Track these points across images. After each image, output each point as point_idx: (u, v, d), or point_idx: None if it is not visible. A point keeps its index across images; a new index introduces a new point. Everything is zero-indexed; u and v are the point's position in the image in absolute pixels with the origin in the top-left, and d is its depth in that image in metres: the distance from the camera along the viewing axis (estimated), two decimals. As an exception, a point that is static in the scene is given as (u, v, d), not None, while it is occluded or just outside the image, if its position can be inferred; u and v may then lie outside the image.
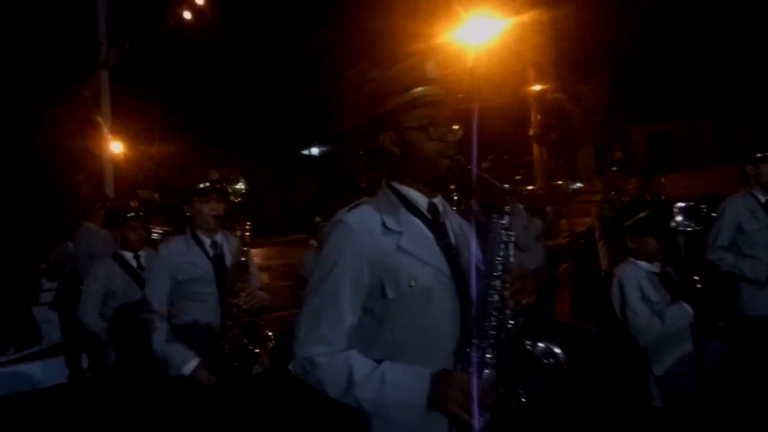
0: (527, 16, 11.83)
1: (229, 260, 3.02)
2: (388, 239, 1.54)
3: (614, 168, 5.90)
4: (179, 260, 2.93)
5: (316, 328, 1.51)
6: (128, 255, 3.88)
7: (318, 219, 5.62)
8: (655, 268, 2.86)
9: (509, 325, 1.41)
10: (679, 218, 2.75)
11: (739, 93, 15.91)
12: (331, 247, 1.56)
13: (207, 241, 3.03)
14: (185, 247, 2.98)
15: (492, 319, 1.41)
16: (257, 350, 2.72)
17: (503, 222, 1.45)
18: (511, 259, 1.43)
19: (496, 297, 1.42)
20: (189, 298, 2.90)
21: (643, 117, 18.40)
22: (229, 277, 2.91)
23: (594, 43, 11.75)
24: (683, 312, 2.68)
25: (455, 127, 1.61)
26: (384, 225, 1.56)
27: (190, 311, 2.89)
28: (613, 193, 5.66)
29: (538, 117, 13.06)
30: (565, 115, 12.89)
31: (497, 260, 1.43)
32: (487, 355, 1.40)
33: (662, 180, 5.74)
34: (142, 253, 3.90)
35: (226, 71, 22.23)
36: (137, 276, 3.75)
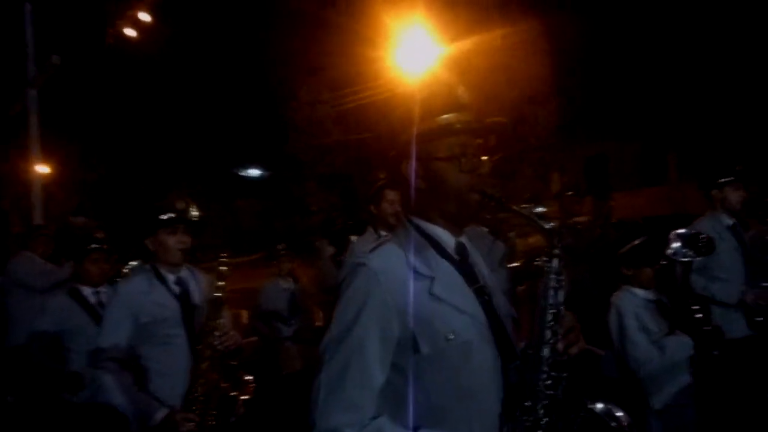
0: (467, 42, 12.06)
1: (197, 298, 2.73)
2: (418, 285, 1.35)
3: (569, 192, 6.02)
4: (142, 300, 2.61)
5: (341, 391, 1.29)
6: (87, 290, 3.50)
7: (281, 246, 5.33)
8: (651, 295, 2.81)
9: (564, 383, 1.24)
10: (676, 246, 2.71)
11: (667, 119, 16.84)
12: (354, 295, 1.36)
13: (171, 278, 2.72)
14: (147, 285, 2.67)
15: (544, 375, 1.24)
16: (239, 396, 2.45)
17: (553, 265, 1.30)
18: (562, 307, 1.28)
19: (547, 350, 1.26)
20: (153, 342, 2.59)
21: (580, 140, 19.08)
22: (200, 316, 2.62)
23: (538, 69, 12.16)
24: (682, 343, 2.63)
25: (484, 158, 1.46)
26: (412, 268, 1.38)
27: (156, 356, 2.58)
28: (574, 219, 5.77)
29: (479, 141, 13.15)
30: (520, 137, 13.22)
31: (549, 309, 1.27)
32: (541, 420, 1.23)
33: (612, 203, 5.90)
34: (102, 288, 3.53)
35: (164, 91, 21.43)
36: (96, 313, 3.38)
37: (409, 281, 1.35)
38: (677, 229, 3.09)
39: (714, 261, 3.89)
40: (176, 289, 2.70)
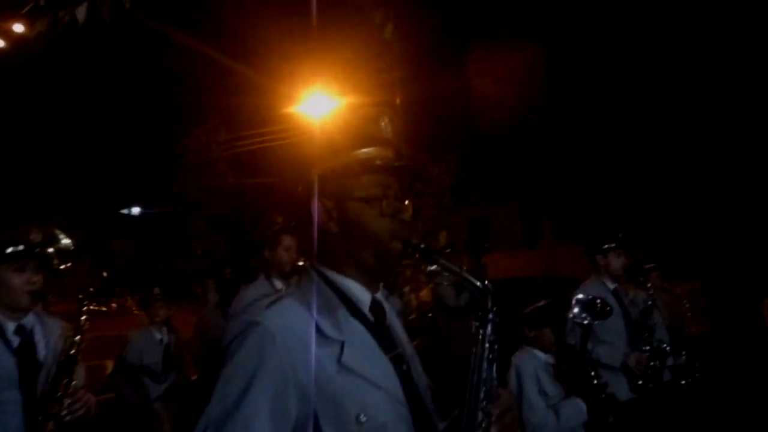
0: (366, 97, 12.31)
1: (43, 353, 2.24)
2: (325, 351, 1.11)
3: (447, 250, 6.22)
4: None
5: None
6: None
7: (157, 290, 4.73)
8: (550, 359, 2.77)
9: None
10: (576, 310, 2.70)
11: (542, 186, 18.17)
12: (243, 362, 1.08)
13: (10, 327, 2.21)
14: None
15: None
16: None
17: (487, 333, 1.11)
18: (495, 383, 1.09)
19: (478, 436, 1.05)
20: None
21: (467, 201, 19.96)
22: (45, 376, 2.14)
23: (434, 129, 12.64)
24: (578, 409, 2.59)
25: (407, 202, 1.28)
26: (318, 330, 1.13)
27: None
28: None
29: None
30: (417, 192, 13.49)
31: (482, 385, 1.07)
32: None
33: (484, 261, 6.18)
34: None
35: (38, 114, 19.55)
36: None
37: (314, 346, 1.11)
38: (550, 289, 3.14)
39: (599, 325, 4.00)
40: (15, 340, 2.19)
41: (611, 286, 4.15)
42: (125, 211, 27.52)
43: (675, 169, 12.84)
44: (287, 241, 3.36)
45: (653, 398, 3.82)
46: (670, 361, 4.07)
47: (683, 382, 4.15)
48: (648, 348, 3.90)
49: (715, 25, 10.93)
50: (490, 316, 1.12)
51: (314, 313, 1.15)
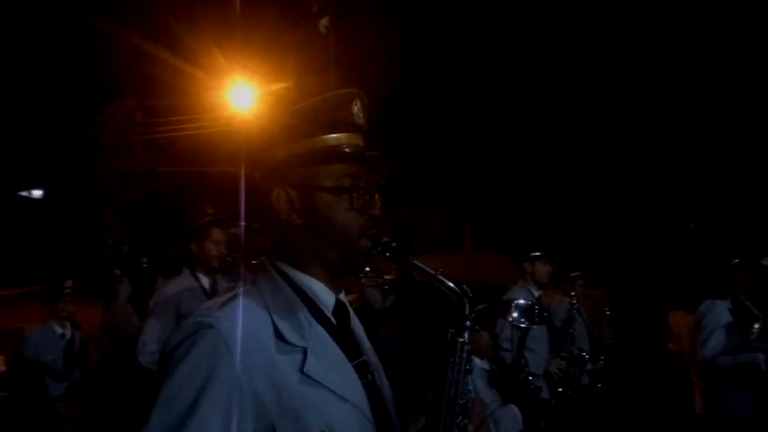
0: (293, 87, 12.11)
1: None
2: (285, 359, 0.99)
3: (374, 251, 6.19)
4: None
5: None
6: None
7: (69, 283, 4.28)
8: (485, 364, 2.75)
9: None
10: (515, 314, 2.70)
11: (464, 192, 18.64)
12: (190, 373, 0.94)
13: None
14: None
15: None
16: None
17: (464, 341, 1.03)
18: (473, 395, 1.02)
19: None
20: None
21: (389, 204, 20.07)
22: None
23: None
24: (514, 417, 2.58)
25: (377, 196, 1.18)
26: (278, 335, 1.01)
27: None
28: (384, 277, 5.83)
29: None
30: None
31: (459, 399, 0.99)
32: None
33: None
34: None
35: None
36: None
37: (274, 353, 0.98)
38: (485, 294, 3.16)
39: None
40: None
41: (536, 293, 4.25)
42: (25, 193, 25.46)
43: (590, 182, 13.54)
44: (217, 234, 3.17)
45: (571, 403, 3.94)
46: (588, 366, 4.23)
47: (599, 385, 4.33)
48: (567, 355, 4.03)
49: (621, 40, 11.57)
50: (468, 322, 1.05)
51: (274, 316, 1.03)
